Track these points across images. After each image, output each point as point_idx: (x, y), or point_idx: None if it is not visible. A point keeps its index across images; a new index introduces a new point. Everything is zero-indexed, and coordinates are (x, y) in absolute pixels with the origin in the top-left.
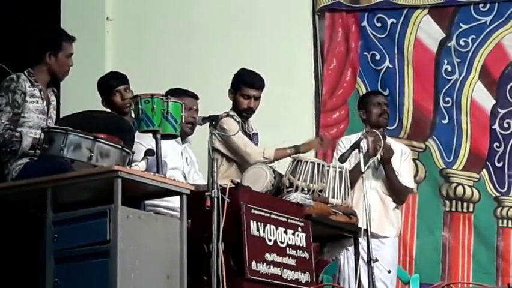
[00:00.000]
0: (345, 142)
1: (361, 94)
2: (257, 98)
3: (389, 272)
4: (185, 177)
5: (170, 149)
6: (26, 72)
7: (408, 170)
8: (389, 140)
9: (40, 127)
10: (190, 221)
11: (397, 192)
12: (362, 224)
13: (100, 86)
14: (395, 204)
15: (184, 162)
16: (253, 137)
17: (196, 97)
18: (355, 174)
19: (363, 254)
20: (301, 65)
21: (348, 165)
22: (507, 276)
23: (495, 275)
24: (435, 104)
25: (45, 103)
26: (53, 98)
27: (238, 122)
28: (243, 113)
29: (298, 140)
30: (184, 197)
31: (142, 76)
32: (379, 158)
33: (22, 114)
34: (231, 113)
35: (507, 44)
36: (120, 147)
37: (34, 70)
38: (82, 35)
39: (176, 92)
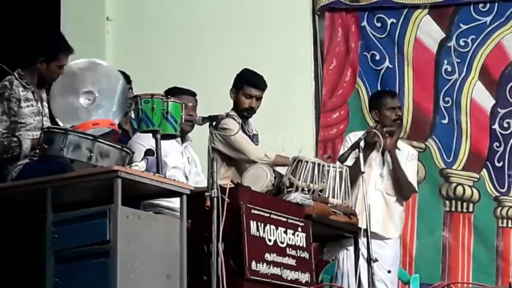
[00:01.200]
0: (353, 138)
1: (361, 94)
2: (259, 99)
3: (389, 272)
4: (186, 177)
5: (170, 149)
6: (16, 75)
7: (412, 171)
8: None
9: (38, 128)
10: (190, 221)
11: (401, 184)
12: (364, 224)
13: None
14: (399, 206)
15: (186, 162)
16: (253, 138)
17: (193, 94)
18: (355, 172)
19: (364, 253)
20: (301, 65)
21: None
22: (507, 276)
23: (495, 275)
24: (435, 104)
25: (39, 104)
26: (44, 94)
27: (238, 123)
28: (245, 113)
29: (298, 140)
30: (184, 197)
31: (142, 76)
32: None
33: (19, 120)
34: (231, 113)
35: (507, 44)
36: (120, 147)
37: (24, 72)
38: (82, 35)
39: (173, 91)
